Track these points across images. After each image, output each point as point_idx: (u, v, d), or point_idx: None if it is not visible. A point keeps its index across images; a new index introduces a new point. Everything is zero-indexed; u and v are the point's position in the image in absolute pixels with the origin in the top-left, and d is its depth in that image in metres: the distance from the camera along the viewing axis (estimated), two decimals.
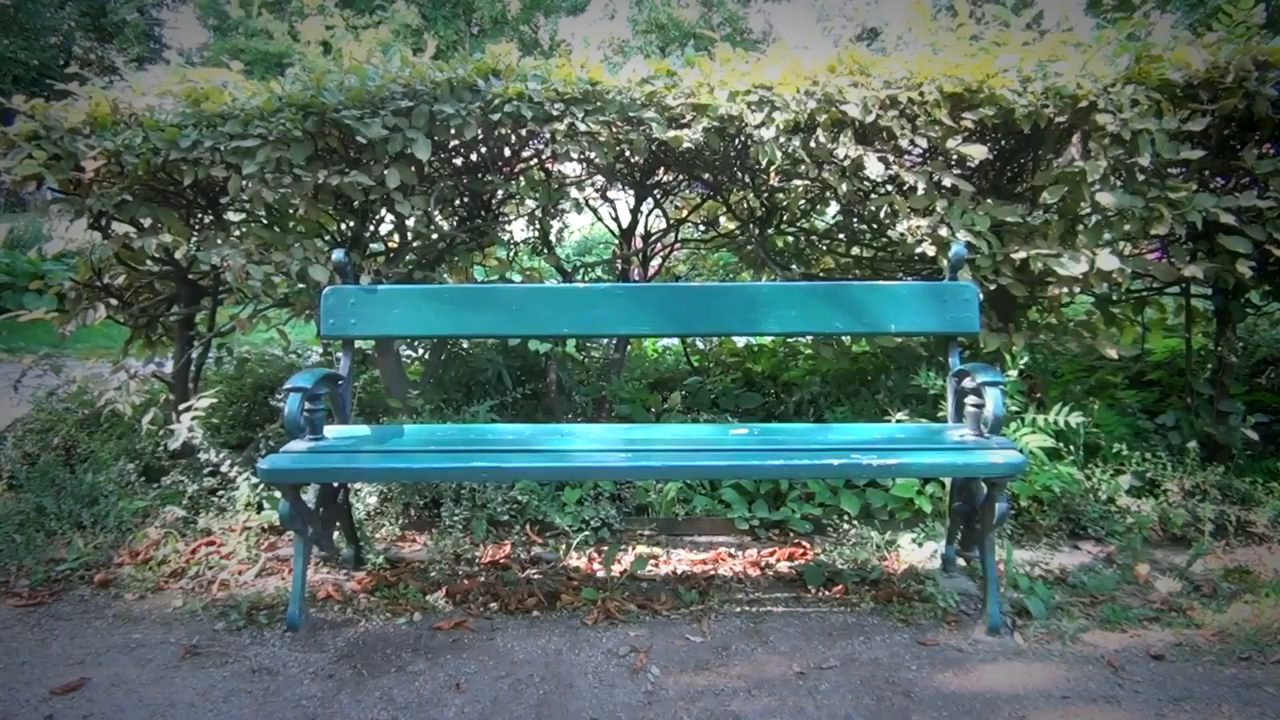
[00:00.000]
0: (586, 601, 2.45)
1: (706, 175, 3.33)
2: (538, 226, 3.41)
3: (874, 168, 2.76)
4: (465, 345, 3.63)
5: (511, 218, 3.45)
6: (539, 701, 1.99)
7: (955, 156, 2.84)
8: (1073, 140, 2.81)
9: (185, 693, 2.03)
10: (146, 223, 3.00)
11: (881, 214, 2.99)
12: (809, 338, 3.66)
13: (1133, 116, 2.66)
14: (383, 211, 3.12)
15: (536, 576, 2.62)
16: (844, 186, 2.89)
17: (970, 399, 2.45)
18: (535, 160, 3.10)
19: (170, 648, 2.24)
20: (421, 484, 2.93)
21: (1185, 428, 3.09)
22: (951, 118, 2.75)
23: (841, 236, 3.59)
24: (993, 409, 2.32)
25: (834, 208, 3.50)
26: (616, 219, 3.57)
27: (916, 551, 2.75)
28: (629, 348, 3.72)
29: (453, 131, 2.77)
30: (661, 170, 3.38)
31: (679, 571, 2.68)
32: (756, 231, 3.46)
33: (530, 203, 3.31)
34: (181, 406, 3.10)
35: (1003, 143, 3.01)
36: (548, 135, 2.81)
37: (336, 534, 2.62)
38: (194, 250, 2.86)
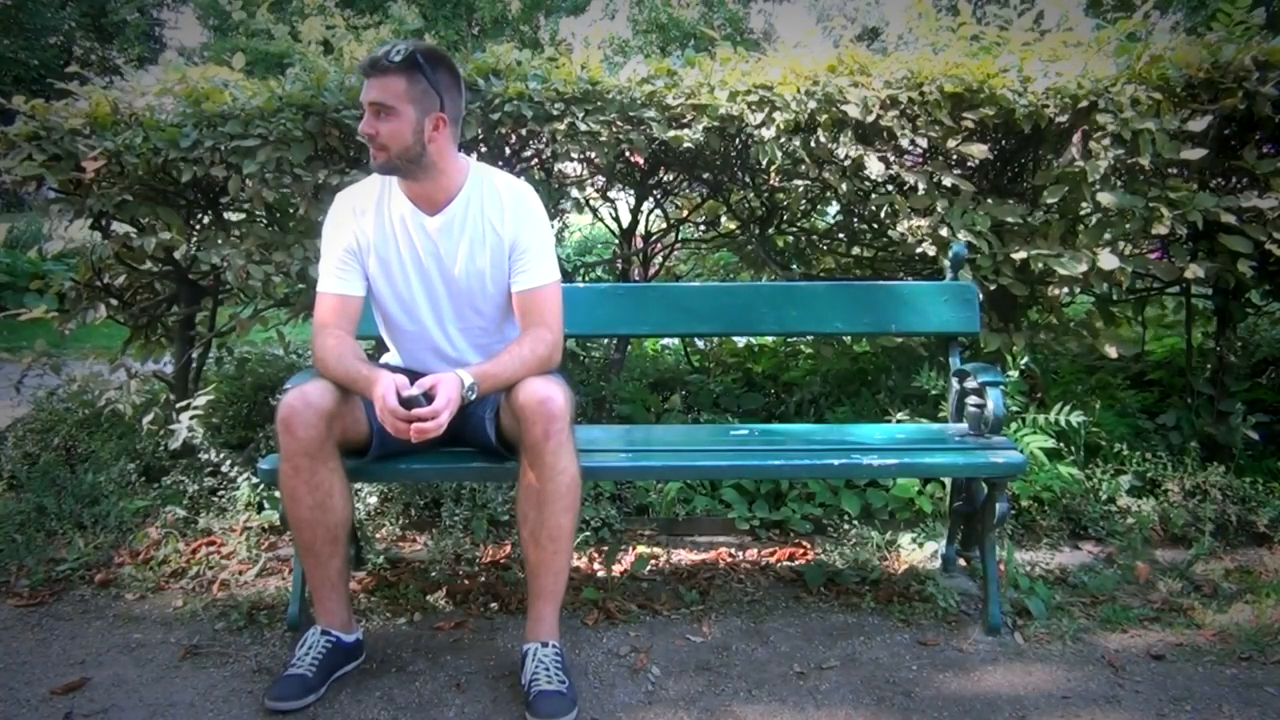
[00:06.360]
0: (587, 602, 2.45)
1: (707, 175, 3.33)
2: None
3: (874, 168, 2.76)
4: None
5: None
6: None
7: (956, 156, 2.84)
8: (1073, 140, 2.81)
9: (186, 692, 2.03)
10: (146, 223, 3.00)
11: (882, 214, 2.99)
12: (810, 338, 3.66)
13: (1133, 116, 2.66)
14: None
15: None
16: (844, 186, 2.89)
17: (971, 399, 2.45)
18: (535, 160, 3.10)
19: (171, 648, 2.24)
20: (421, 484, 2.93)
21: (1186, 428, 3.09)
22: (952, 118, 2.75)
23: (842, 236, 3.59)
24: (993, 409, 2.32)
25: (834, 208, 3.50)
26: (617, 219, 3.57)
27: (916, 551, 2.75)
28: (629, 348, 3.72)
29: None
30: (662, 170, 3.38)
31: (679, 571, 2.68)
32: (757, 231, 3.46)
33: None
34: (181, 406, 3.10)
35: (1003, 143, 3.01)
36: (548, 135, 2.81)
37: None
38: (194, 250, 2.86)
